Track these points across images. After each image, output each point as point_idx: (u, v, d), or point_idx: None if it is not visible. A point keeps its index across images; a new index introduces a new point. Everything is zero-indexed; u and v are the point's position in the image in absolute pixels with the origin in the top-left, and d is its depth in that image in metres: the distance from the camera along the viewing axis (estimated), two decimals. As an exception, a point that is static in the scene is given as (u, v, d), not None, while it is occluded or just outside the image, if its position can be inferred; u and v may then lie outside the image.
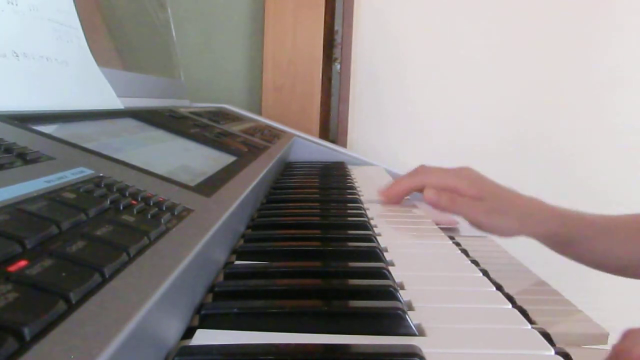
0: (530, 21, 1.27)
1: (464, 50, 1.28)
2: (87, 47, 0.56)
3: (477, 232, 0.64)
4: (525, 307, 0.33)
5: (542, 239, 0.64)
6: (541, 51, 1.27)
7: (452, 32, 1.28)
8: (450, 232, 0.58)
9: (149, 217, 0.28)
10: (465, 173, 0.64)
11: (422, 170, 0.65)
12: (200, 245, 0.28)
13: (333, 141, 1.24)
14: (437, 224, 0.56)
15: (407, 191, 0.65)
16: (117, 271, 0.21)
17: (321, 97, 1.22)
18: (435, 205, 0.60)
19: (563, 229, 0.62)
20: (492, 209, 0.60)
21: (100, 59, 0.58)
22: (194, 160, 0.51)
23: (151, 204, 0.30)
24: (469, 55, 1.28)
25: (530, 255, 0.64)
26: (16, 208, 0.22)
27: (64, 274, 0.19)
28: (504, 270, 0.44)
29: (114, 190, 0.30)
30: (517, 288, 0.37)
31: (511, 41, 1.27)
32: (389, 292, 0.32)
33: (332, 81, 1.29)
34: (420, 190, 0.63)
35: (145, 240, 0.25)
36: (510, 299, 0.34)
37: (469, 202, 0.61)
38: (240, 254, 0.40)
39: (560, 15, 1.26)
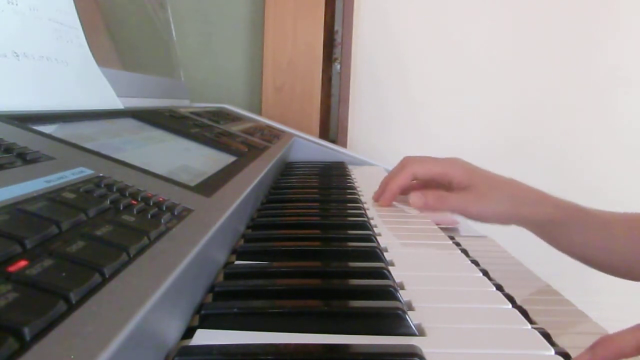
0: (532, 22, 1.26)
1: (465, 50, 1.28)
2: (87, 47, 0.56)
3: (477, 232, 0.64)
4: (524, 307, 0.33)
5: (534, 226, 0.63)
6: (543, 51, 1.27)
7: (452, 32, 1.28)
8: (450, 232, 0.58)
9: (149, 217, 0.28)
10: (454, 161, 0.63)
11: (407, 161, 0.65)
12: (200, 245, 0.28)
13: (333, 141, 1.24)
14: (437, 224, 0.56)
15: (399, 192, 0.64)
16: (117, 271, 0.21)
17: (321, 97, 1.22)
18: (424, 207, 0.60)
19: (559, 215, 0.61)
20: (482, 195, 0.59)
21: (100, 59, 0.58)
22: (194, 160, 0.51)
23: (151, 204, 0.30)
24: (470, 55, 1.28)
25: (531, 255, 0.64)
26: (16, 208, 0.22)
27: (64, 274, 0.19)
28: (504, 270, 0.44)
29: (114, 190, 0.30)
30: (518, 289, 0.37)
31: (513, 41, 1.27)
32: (389, 292, 0.32)
33: (332, 81, 1.29)
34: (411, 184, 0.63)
35: (145, 240, 0.25)
36: (510, 299, 0.34)
37: (456, 195, 0.60)
38: (240, 254, 0.40)
39: (563, 15, 1.26)
